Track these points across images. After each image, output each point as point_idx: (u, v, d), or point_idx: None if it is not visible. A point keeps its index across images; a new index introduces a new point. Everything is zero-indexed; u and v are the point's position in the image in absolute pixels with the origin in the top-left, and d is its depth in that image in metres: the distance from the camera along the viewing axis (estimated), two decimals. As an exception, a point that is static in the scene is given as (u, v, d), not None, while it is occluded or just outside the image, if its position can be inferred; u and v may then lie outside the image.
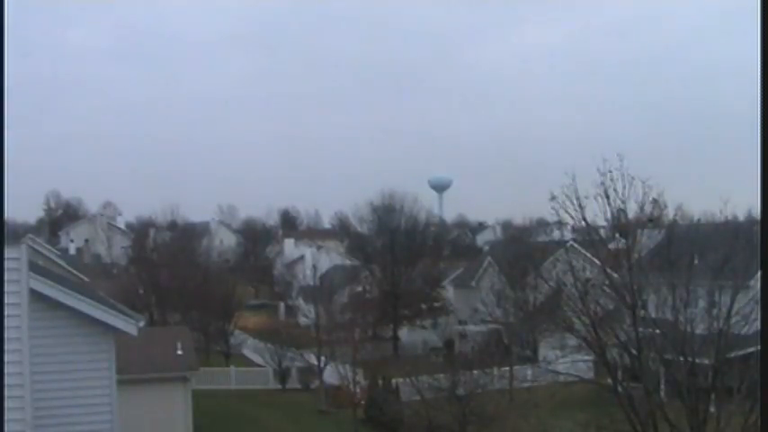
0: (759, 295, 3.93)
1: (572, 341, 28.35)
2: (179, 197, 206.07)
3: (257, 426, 38.59)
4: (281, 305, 76.00)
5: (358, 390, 39.92)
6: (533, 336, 48.66)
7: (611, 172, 23.52)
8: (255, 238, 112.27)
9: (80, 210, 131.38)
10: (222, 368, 50.33)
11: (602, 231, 27.50)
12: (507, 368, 43.68)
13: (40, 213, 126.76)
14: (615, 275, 25.18)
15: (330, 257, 78.61)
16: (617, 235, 26.83)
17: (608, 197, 23.94)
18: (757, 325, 18.03)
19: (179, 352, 29.55)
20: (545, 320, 38.63)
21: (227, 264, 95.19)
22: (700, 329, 22.84)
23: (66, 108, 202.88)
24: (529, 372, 44.67)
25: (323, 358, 44.05)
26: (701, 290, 24.97)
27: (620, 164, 23.56)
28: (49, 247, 52.68)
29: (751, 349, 18.58)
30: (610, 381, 23.73)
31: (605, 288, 25.63)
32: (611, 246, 27.26)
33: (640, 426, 21.58)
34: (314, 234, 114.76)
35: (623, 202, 24.10)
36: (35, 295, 13.27)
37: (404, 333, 63.45)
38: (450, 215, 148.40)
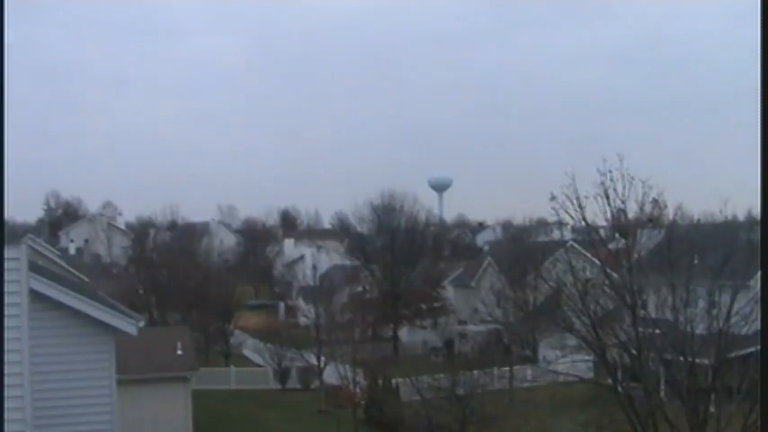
0: (759, 295, 3.94)
1: (572, 341, 28.36)
2: (179, 197, 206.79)
3: (257, 426, 38.60)
4: (281, 305, 75.97)
5: (358, 390, 39.89)
6: (533, 336, 48.66)
7: (611, 172, 23.54)
8: (255, 238, 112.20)
9: (80, 210, 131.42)
10: (222, 368, 50.32)
11: (602, 231, 27.50)
12: (507, 368, 43.67)
13: (40, 213, 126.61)
14: (615, 275, 25.19)
15: (330, 257, 78.58)
16: (617, 235, 26.83)
17: (608, 197, 23.94)
18: (757, 325, 18.05)
19: (179, 352, 29.56)
20: (545, 320, 38.60)
21: (227, 264, 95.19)
22: (700, 329, 22.83)
23: (66, 108, 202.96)
24: (529, 372, 44.64)
25: (323, 358, 44.03)
26: (701, 290, 24.99)
27: (620, 164, 23.59)
28: (49, 247, 52.54)
29: (751, 349, 18.58)
30: (610, 381, 23.73)
31: (605, 288, 25.63)
32: (611, 246, 27.26)
33: (640, 426, 21.58)
34: (314, 234, 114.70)
35: (623, 202, 24.11)
36: (35, 295, 13.27)
37: (404, 333, 63.42)
38: (450, 215, 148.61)
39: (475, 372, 35.03)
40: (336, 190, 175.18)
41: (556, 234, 61.71)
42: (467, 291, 64.66)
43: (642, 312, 23.24)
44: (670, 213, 27.37)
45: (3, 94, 4.92)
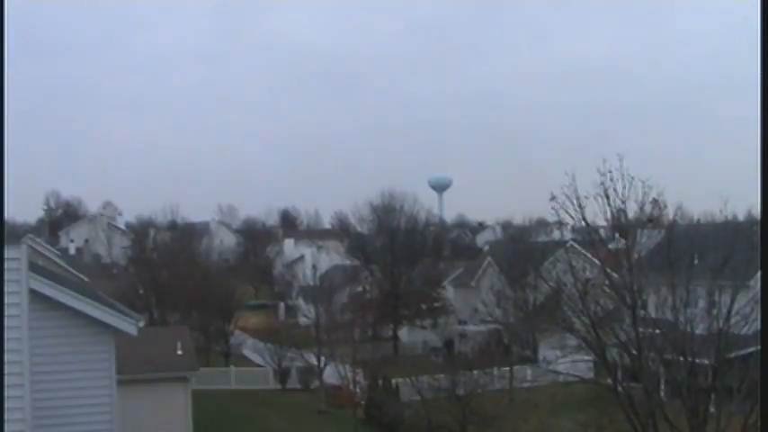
0: (759, 295, 3.94)
1: (572, 341, 28.34)
2: (179, 197, 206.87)
3: (257, 426, 38.58)
4: (281, 305, 75.98)
5: (358, 390, 39.91)
6: (533, 336, 48.67)
7: (611, 172, 23.53)
8: (255, 238, 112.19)
9: (80, 210, 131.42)
10: (222, 368, 50.31)
11: (602, 231, 27.48)
12: (507, 368, 43.69)
13: (40, 213, 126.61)
14: (615, 275, 25.18)
15: (330, 257, 78.57)
16: (617, 235, 26.82)
17: (608, 197, 23.93)
18: (757, 325, 18.05)
19: (179, 352, 29.55)
20: (545, 320, 38.62)
21: (227, 264, 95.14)
22: (700, 329, 22.83)
23: (66, 108, 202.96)
24: (529, 372, 44.70)
25: (323, 358, 44.03)
26: (700, 290, 24.97)
27: (620, 164, 23.58)
28: (49, 247, 52.55)
29: (751, 349, 18.55)
30: (610, 381, 23.73)
31: (605, 288, 25.62)
32: (611, 246, 27.25)
33: (640, 426, 21.57)
34: (314, 234, 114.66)
35: (623, 202, 24.10)
36: (35, 295, 13.26)
37: (404, 333, 63.42)
38: (450, 215, 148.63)
39: (475, 372, 35.05)
40: (336, 190, 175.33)
41: (556, 234, 61.74)
42: (467, 291, 64.66)
43: (642, 312, 23.23)
44: (670, 213, 27.38)
45: (3, 95, 4.92)
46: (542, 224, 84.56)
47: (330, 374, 42.98)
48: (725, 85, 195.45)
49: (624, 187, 23.74)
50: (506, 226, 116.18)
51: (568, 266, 26.87)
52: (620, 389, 22.76)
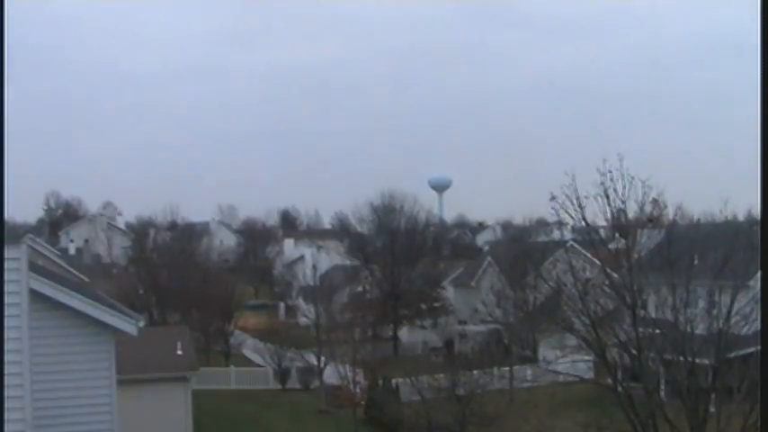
0: (759, 295, 3.94)
1: (572, 341, 28.38)
2: (179, 197, 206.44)
3: (257, 426, 38.59)
4: (281, 305, 75.98)
5: (358, 390, 39.92)
6: (533, 336, 48.66)
7: (611, 172, 23.56)
8: (255, 238, 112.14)
9: (80, 210, 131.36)
10: (222, 368, 50.30)
11: (602, 231, 27.50)
12: (507, 368, 43.70)
13: (40, 213, 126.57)
14: (615, 275, 25.20)
15: (330, 257, 78.57)
16: (617, 235, 26.84)
17: (608, 197, 23.95)
18: (757, 325, 18.05)
19: (179, 352, 29.57)
20: (545, 320, 38.61)
21: (226, 264, 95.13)
22: (700, 329, 22.86)
23: (67, 108, 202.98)
24: (529, 372, 44.71)
25: (323, 358, 44.02)
26: (700, 290, 25.02)
27: (620, 164, 23.59)
28: (49, 247, 52.56)
29: (751, 349, 18.57)
30: (610, 381, 23.75)
31: (605, 288, 25.64)
32: (611, 246, 27.27)
33: (640, 426, 21.59)
34: (314, 234, 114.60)
35: (623, 202, 24.12)
36: (35, 295, 13.25)
37: (404, 333, 63.40)
38: (450, 215, 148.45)
39: (475, 372, 35.07)
40: (336, 190, 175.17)
41: (556, 234, 61.76)
42: (467, 291, 64.63)
43: (642, 312, 23.25)
44: (670, 213, 27.42)
45: (3, 94, 4.93)
46: (542, 224, 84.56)
47: (330, 374, 42.98)
48: (725, 86, 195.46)
49: (624, 187, 23.78)
50: (506, 226, 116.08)
51: (568, 266, 26.90)
52: (620, 389, 22.77)
